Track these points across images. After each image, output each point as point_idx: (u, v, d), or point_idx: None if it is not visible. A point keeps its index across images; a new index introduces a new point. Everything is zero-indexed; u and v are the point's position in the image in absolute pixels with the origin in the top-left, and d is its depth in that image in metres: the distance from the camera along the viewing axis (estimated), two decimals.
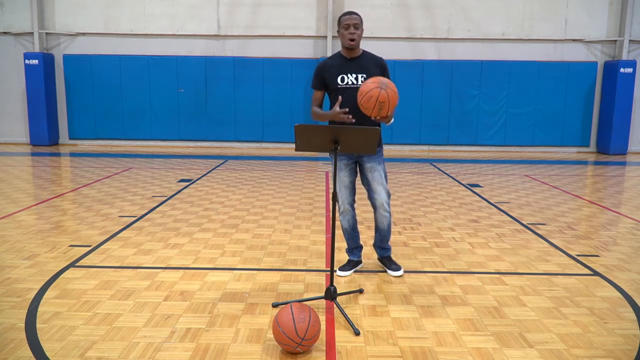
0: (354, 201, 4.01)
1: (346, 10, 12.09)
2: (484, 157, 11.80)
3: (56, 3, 12.53)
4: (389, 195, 3.93)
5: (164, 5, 12.50)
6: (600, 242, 5.07)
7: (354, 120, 3.57)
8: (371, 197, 3.95)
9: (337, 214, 4.00)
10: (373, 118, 3.46)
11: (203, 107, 12.69)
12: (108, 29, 12.58)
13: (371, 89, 3.35)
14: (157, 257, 4.42)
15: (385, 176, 3.93)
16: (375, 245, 4.19)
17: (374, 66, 3.80)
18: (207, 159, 10.82)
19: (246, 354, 2.84)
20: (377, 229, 4.05)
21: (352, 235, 4.09)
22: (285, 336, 2.76)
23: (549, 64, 12.49)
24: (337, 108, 3.59)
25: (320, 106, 3.92)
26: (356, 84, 3.73)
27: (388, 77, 3.76)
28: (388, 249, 4.15)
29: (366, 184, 3.93)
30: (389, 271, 4.05)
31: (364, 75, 3.74)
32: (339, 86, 3.77)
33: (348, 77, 3.76)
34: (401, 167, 9.89)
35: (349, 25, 3.72)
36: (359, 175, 3.99)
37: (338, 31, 3.82)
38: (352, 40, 3.71)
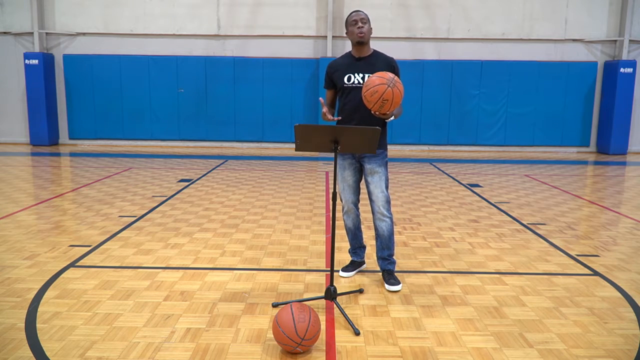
0: (358, 200, 3.99)
1: (346, 10, 12.28)
2: (484, 157, 11.81)
3: (56, 3, 12.53)
4: (387, 200, 3.80)
5: (164, 5, 12.50)
6: (600, 242, 5.07)
7: (339, 118, 3.73)
8: (370, 200, 3.88)
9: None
10: (373, 112, 3.45)
11: (203, 107, 12.69)
12: (108, 29, 12.59)
13: (377, 84, 3.32)
14: (157, 257, 4.42)
15: (386, 180, 3.82)
16: (377, 256, 3.97)
17: (384, 66, 3.72)
18: (207, 159, 10.82)
19: (246, 354, 2.84)
20: (377, 235, 3.91)
21: (355, 234, 4.06)
22: (285, 336, 2.76)
23: (549, 64, 12.49)
24: (330, 117, 3.68)
25: (332, 105, 3.95)
26: (362, 84, 3.68)
27: (398, 76, 3.68)
28: (391, 262, 3.93)
29: (367, 186, 3.88)
30: (386, 285, 3.81)
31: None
32: (345, 85, 3.76)
33: (355, 77, 3.73)
34: (401, 167, 9.89)
35: (356, 21, 3.70)
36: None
37: (346, 32, 3.79)
38: (361, 34, 3.67)
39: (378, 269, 4.15)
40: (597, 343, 3.01)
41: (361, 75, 3.72)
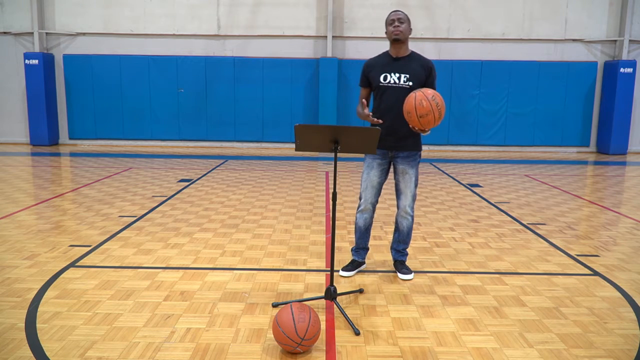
0: (376, 202, 4.03)
1: (346, 10, 12.30)
2: (484, 157, 11.80)
3: (56, 3, 12.53)
4: (414, 199, 3.96)
5: (164, 5, 12.50)
6: (600, 242, 5.07)
7: (380, 121, 3.67)
8: (397, 198, 4.00)
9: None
10: (412, 126, 3.55)
11: (203, 107, 12.69)
12: (108, 29, 12.58)
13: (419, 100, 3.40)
14: (157, 257, 4.42)
15: (416, 180, 3.94)
16: (392, 247, 4.17)
17: (420, 68, 3.77)
18: (207, 159, 10.82)
19: (246, 354, 2.84)
20: (397, 229, 4.08)
21: (363, 234, 4.09)
22: (285, 336, 2.76)
23: (549, 64, 12.49)
24: (366, 111, 3.68)
25: (367, 104, 3.96)
26: (398, 84, 3.75)
27: (433, 80, 3.80)
28: (404, 254, 4.13)
29: (396, 184, 3.97)
30: (399, 274, 4.01)
31: (407, 76, 3.74)
32: (380, 84, 3.80)
33: (391, 76, 3.78)
34: None
35: (393, 20, 3.75)
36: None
37: (386, 32, 3.84)
38: (397, 32, 3.70)
39: (378, 269, 4.19)
40: (597, 343, 3.01)
41: (397, 75, 3.76)
